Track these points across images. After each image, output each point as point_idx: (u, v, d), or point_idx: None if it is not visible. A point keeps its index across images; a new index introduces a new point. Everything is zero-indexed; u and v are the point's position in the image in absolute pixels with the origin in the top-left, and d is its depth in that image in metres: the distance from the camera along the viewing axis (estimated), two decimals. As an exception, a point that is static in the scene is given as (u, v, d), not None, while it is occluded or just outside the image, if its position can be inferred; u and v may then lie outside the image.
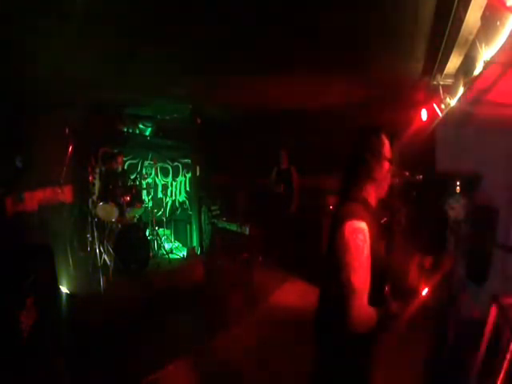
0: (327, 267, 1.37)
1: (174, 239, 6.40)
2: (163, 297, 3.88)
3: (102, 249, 4.35)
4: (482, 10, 1.62)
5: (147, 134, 6.00)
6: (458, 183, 3.41)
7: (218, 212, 6.17)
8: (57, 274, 3.28)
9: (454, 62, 2.40)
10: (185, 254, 5.68)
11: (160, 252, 5.46)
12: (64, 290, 3.78)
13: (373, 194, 1.41)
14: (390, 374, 2.20)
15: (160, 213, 6.26)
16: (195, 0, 2.14)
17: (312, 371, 1.44)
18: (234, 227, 5.51)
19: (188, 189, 6.87)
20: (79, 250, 4.61)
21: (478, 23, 1.72)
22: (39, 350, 2.58)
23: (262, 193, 5.89)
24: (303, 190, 5.48)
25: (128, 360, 2.81)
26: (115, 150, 4.71)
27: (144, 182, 5.79)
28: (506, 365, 1.94)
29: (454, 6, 1.78)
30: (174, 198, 6.69)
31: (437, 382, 2.65)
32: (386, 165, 1.40)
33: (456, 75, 2.62)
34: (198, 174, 5.99)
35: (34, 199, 4.19)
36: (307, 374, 1.45)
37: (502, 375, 1.95)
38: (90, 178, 4.47)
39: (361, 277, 1.20)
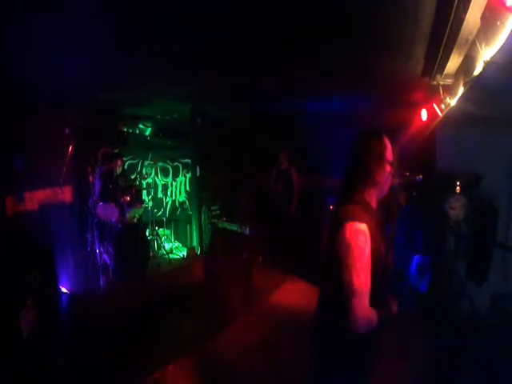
0: (327, 268, 1.37)
1: (174, 239, 6.40)
2: (163, 297, 3.88)
3: (101, 249, 4.35)
4: (482, 10, 1.62)
5: (147, 133, 6.00)
6: (457, 183, 3.42)
7: (218, 212, 6.16)
8: (57, 274, 3.28)
9: (453, 61, 2.41)
10: (185, 254, 5.68)
11: (160, 252, 5.46)
12: (64, 290, 3.78)
13: (374, 196, 1.41)
14: (389, 374, 2.20)
15: (160, 213, 6.27)
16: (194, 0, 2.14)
17: (312, 371, 1.44)
18: (234, 227, 5.50)
19: (188, 189, 6.87)
20: (79, 249, 4.61)
21: (478, 23, 1.72)
22: (39, 350, 2.58)
23: (262, 193, 5.88)
24: (303, 190, 5.48)
25: (128, 360, 2.80)
26: (115, 150, 4.70)
27: (144, 182, 5.79)
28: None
29: (454, 6, 1.78)
30: (173, 198, 6.69)
31: (437, 382, 2.65)
32: (388, 167, 1.39)
33: (456, 75, 2.62)
34: (198, 174, 5.99)
35: (34, 199, 4.19)
36: (307, 373, 1.45)
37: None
38: (90, 178, 4.46)
39: (362, 278, 1.20)
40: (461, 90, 2.49)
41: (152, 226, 5.44)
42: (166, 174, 6.51)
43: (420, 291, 3.82)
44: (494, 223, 3.25)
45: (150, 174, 6.10)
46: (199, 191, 6.06)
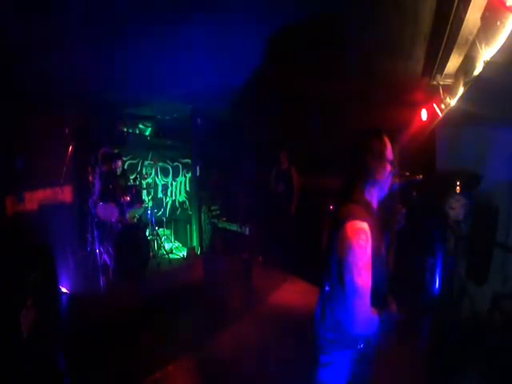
0: (327, 267, 1.37)
1: (174, 239, 6.41)
2: (163, 297, 3.88)
3: (101, 249, 4.35)
4: (482, 10, 1.62)
5: (147, 133, 6.00)
6: (457, 183, 3.41)
7: (218, 212, 6.16)
8: (57, 274, 3.28)
9: (454, 61, 2.40)
10: (185, 254, 5.68)
11: (160, 252, 5.46)
12: (64, 290, 3.78)
13: (374, 196, 1.41)
14: (389, 374, 2.20)
15: (160, 213, 6.27)
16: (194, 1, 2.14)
17: (312, 371, 1.44)
18: (234, 227, 5.51)
19: (188, 189, 6.87)
20: (79, 249, 4.61)
21: (478, 23, 1.72)
22: (39, 350, 2.58)
23: (262, 193, 5.89)
24: (303, 189, 5.48)
25: (128, 360, 2.80)
26: (115, 150, 4.70)
27: (144, 182, 5.79)
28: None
29: (454, 6, 1.78)
30: (174, 198, 6.70)
31: (436, 382, 2.65)
32: (388, 167, 1.40)
33: (456, 75, 2.62)
34: (198, 174, 5.99)
35: (34, 199, 4.20)
36: (307, 373, 1.45)
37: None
38: (90, 178, 4.46)
39: (363, 277, 1.19)
40: (461, 90, 2.49)
41: (152, 225, 5.44)
42: (166, 173, 6.51)
43: (420, 291, 3.82)
44: (494, 223, 3.24)
45: (150, 173, 6.11)
46: (199, 191, 6.06)
